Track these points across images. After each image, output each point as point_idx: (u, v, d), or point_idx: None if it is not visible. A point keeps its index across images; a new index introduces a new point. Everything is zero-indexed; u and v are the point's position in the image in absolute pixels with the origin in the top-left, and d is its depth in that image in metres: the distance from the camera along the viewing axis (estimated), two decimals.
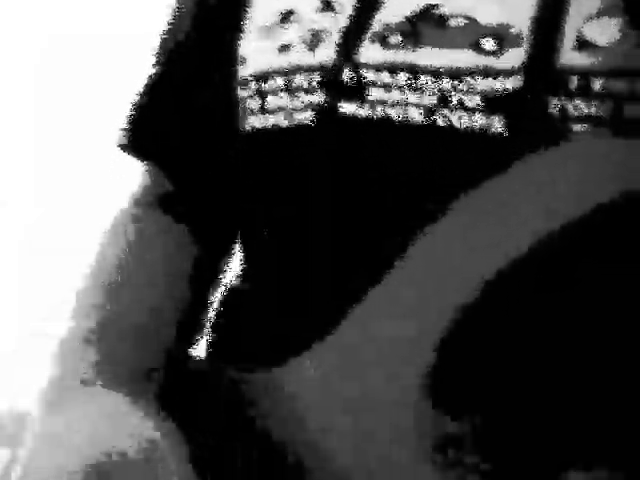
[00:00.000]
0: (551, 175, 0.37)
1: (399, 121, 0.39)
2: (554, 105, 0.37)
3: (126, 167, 0.56)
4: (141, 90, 0.52)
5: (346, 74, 0.41)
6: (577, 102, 0.37)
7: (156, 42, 0.53)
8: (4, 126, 1.69)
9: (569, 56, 0.37)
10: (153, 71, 0.52)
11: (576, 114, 0.37)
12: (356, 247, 0.40)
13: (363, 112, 0.40)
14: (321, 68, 0.41)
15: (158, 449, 0.36)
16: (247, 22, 0.47)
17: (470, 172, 0.38)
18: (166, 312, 0.46)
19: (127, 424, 0.38)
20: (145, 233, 0.49)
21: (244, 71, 0.45)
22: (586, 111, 0.36)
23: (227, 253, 0.51)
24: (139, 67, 0.55)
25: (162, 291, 0.47)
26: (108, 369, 0.42)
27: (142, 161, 0.53)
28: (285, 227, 0.43)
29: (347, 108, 0.40)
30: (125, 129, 0.52)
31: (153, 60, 0.53)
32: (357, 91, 0.40)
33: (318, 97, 0.41)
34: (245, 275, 0.48)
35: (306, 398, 0.39)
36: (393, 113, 0.39)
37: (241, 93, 0.45)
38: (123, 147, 0.52)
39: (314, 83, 0.41)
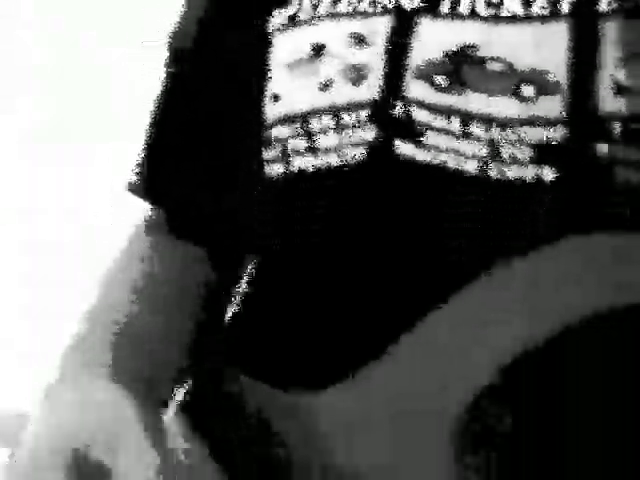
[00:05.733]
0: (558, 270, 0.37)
1: (455, 170, 0.39)
2: (601, 153, 0.37)
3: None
4: (153, 128, 0.51)
5: (398, 110, 0.40)
6: (623, 149, 0.37)
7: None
8: None
9: (609, 102, 0.37)
10: (166, 106, 0.51)
11: (623, 161, 0.37)
12: (397, 290, 0.39)
13: (422, 156, 0.39)
14: (370, 104, 0.40)
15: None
16: (271, 60, 0.45)
17: (522, 225, 0.38)
18: (176, 326, 0.47)
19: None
20: (156, 254, 0.50)
21: (279, 109, 0.44)
22: (633, 158, 0.37)
23: (240, 275, 0.50)
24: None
25: (173, 307, 0.47)
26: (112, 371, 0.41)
27: (153, 205, 0.52)
28: (318, 262, 0.42)
29: (404, 149, 0.40)
30: (137, 173, 0.51)
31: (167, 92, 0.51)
32: (411, 130, 0.39)
33: (370, 133, 0.40)
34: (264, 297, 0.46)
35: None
36: (450, 162, 0.39)
37: (279, 132, 0.43)
38: (133, 190, 0.51)
39: (364, 119, 0.40)
